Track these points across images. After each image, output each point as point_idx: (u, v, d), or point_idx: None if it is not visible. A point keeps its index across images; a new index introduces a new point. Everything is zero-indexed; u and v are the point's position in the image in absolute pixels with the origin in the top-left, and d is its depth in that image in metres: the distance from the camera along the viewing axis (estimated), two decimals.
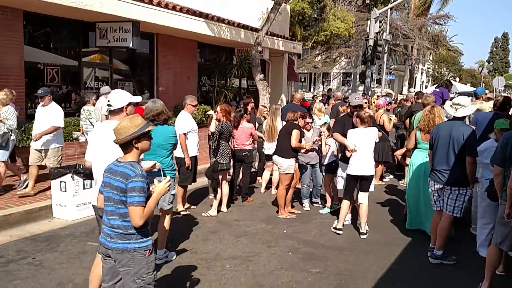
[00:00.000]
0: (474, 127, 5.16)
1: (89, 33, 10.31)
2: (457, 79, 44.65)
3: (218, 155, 6.20)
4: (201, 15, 11.69)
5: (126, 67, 11.97)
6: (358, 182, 5.53)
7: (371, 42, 17.06)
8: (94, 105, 8.44)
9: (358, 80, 30.41)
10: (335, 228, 5.63)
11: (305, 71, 36.23)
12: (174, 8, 10.71)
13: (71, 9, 8.35)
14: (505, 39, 77.11)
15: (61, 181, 5.88)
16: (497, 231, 3.88)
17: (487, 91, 10.52)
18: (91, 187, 6.05)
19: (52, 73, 9.71)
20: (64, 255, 4.73)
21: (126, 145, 2.76)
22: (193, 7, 11.98)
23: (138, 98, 3.73)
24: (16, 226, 5.58)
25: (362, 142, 5.39)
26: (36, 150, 6.52)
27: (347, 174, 5.55)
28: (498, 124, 4.70)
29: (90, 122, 8.33)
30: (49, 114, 6.47)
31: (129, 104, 3.56)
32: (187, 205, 6.53)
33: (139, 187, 2.65)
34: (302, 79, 37.35)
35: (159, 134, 4.39)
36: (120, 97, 3.56)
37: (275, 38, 15.05)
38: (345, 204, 5.61)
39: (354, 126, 5.52)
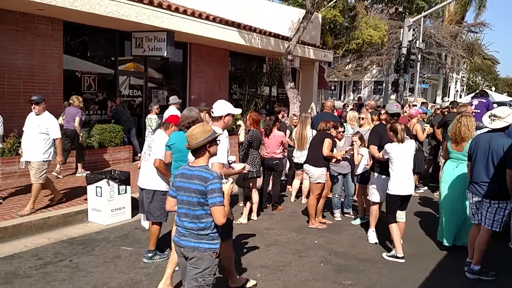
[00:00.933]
0: None
1: (125, 42, 10.61)
2: (493, 88, 43.15)
3: (248, 163, 6.22)
4: (233, 24, 11.84)
5: (160, 75, 12.24)
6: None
7: (404, 50, 16.78)
8: (156, 113, 9.46)
9: (390, 88, 29.88)
10: (396, 257, 5.08)
11: (335, 79, 35.97)
12: (207, 18, 10.89)
13: (108, 19, 8.63)
14: None
15: (97, 186, 6.04)
16: None
17: None
18: (125, 192, 6.22)
19: (89, 81, 10.04)
20: (99, 259, 4.85)
21: (199, 150, 3.00)
22: (225, 16, 12.15)
23: (238, 111, 4.24)
24: (54, 229, 5.76)
25: (402, 159, 5.02)
26: (26, 161, 6.15)
27: (388, 194, 5.15)
28: None
29: (152, 129, 8.93)
30: (45, 125, 6.00)
31: (228, 114, 4.04)
32: None
33: (218, 188, 2.89)
34: (333, 87, 37.12)
35: None
36: (222, 107, 4.06)
37: (306, 46, 15.04)
38: (394, 228, 5.13)
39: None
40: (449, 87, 40.46)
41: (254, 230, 6.04)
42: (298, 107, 11.82)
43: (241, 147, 6.46)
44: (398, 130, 5.03)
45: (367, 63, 32.71)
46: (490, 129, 4.57)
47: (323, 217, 6.66)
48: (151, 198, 4.71)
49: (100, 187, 6.02)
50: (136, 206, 5.75)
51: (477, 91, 10.59)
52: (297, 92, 12.31)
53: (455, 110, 8.03)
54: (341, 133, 6.84)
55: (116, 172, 6.23)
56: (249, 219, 6.41)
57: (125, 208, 6.25)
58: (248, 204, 6.43)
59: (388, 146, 5.08)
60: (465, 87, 45.16)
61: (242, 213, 6.41)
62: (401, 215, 5.27)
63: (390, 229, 5.16)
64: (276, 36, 13.68)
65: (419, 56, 23.78)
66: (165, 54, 10.01)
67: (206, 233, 2.96)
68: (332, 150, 6.19)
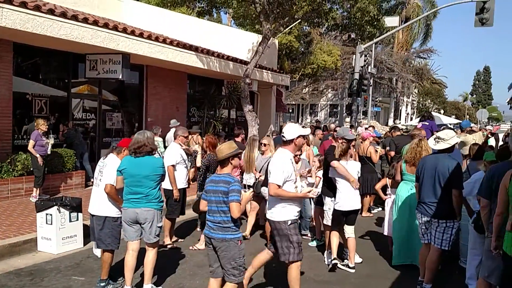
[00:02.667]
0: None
1: (79, 64, 10.39)
2: (442, 111, 45.65)
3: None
4: (191, 48, 11.90)
5: (115, 98, 12.02)
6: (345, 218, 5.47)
7: (356, 76, 17.44)
8: (160, 136, 10.13)
9: (344, 112, 30.88)
10: (344, 265, 5.46)
11: (293, 102, 36.74)
12: (164, 41, 10.89)
13: (61, 41, 8.44)
14: (487, 73, 79.65)
15: (47, 214, 5.77)
16: (484, 264, 3.90)
17: (472, 124, 10.75)
18: (77, 219, 5.98)
19: (41, 104, 9.70)
20: None
21: (224, 161, 3.91)
22: (184, 40, 12.20)
23: (307, 131, 4.60)
24: (0, 260, 5.42)
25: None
26: None
27: (335, 210, 5.45)
28: (488, 156, 4.81)
29: (158, 152, 8.96)
30: None
31: (299, 136, 4.20)
32: (174, 238, 6.43)
33: (237, 189, 3.76)
34: (290, 110, 37.81)
35: (146, 165, 4.40)
36: (292, 130, 4.23)
37: (263, 70, 15.33)
38: (335, 236, 5.47)
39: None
40: (400, 110, 42.32)
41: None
42: (256, 130, 11.93)
43: (199, 172, 6.41)
44: (346, 150, 5.44)
45: (323, 87, 33.76)
46: (436, 151, 4.81)
47: None
48: (102, 224, 4.57)
49: (51, 215, 5.75)
50: (88, 233, 5.54)
51: (423, 114, 11.16)
52: (255, 115, 12.45)
53: (398, 133, 8.38)
54: (297, 156, 6.93)
55: (67, 199, 5.99)
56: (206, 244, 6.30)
57: (76, 236, 5.99)
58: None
59: (336, 163, 5.37)
60: (415, 110, 47.39)
61: (199, 239, 6.31)
62: (350, 231, 5.46)
63: (331, 236, 5.45)
64: (234, 60, 13.87)
65: (371, 81, 24.80)
66: (120, 77, 9.87)
67: (230, 225, 3.78)
68: None
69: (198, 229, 6.80)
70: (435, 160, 4.70)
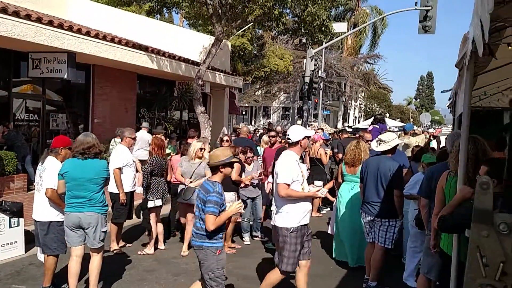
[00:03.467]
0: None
1: (21, 62, 9.87)
2: (387, 114, 47.60)
3: (149, 192, 6.03)
4: (140, 47, 11.66)
5: (60, 98, 11.52)
6: None
7: (307, 79, 17.84)
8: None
9: (296, 114, 31.47)
10: None
11: (246, 105, 36.94)
12: (112, 40, 10.60)
13: (1, 38, 7.99)
14: (430, 78, 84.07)
15: None
16: (424, 261, 4.11)
17: (415, 127, 11.31)
18: (18, 225, 5.68)
19: None
20: None
21: (214, 168, 3.68)
22: (135, 40, 11.93)
23: (311, 132, 4.59)
24: None
25: None
26: None
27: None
28: (425, 158, 5.09)
29: None
30: None
31: (304, 137, 4.13)
32: (121, 243, 6.28)
33: (214, 201, 3.50)
34: (244, 112, 37.96)
35: (90, 168, 4.27)
36: (298, 132, 4.16)
37: (216, 72, 15.30)
38: None
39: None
40: (349, 113, 43.71)
41: (161, 260, 5.86)
42: (209, 132, 11.89)
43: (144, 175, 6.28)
44: None
45: (275, 89, 34.20)
46: (379, 152, 5.03)
47: (232, 241, 6.69)
48: (47, 230, 4.40)
49: None
50: (30, 239, 5.29)
51: (376, 117, 11.61)
52: (208, 117, 12.39)
53: (346, 135, 8.68)
54: (250, 158, 7.00)
55: (7, 203, 5.68)
56: (156, 248, 6.20)
57: (17, 243, 5.69)
58: (153, 233, 6.21)
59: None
60: (363, 113, 49.12)
61: (148, 243, 6.20)
62: None
63: None
64: (186, 61, 13.74)
65: (321, 85, 25.45)
66: (65, 76, 9.49)
67: (208, 234, 3.56)
68: (240, 175, 6.31)
69: (147, 233, 6.66)
70: (378, 161, 4.92)
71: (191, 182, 5.98)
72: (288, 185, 3.98)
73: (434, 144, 9.02)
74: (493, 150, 5.89)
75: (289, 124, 34.65)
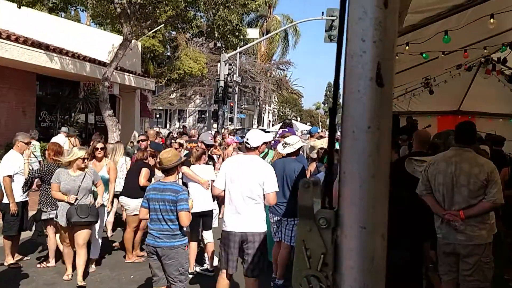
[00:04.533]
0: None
1: None
2: (299, 118, 49.70)
3: (42, 202, 5.46)
4: (40, 46, 10.82)
5: None
6: (201, 220, 5.52)
7: (221, 83, 17.95)
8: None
9: (212, 118, 31.44)
10: (204, 270, 5.52)
11: (161, 108, 36.05)
12: (8, 37, 9.70)
13: None
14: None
15: None
16: None
17: (319, 130, 11.88)
18: None
19: None
20: None
21: (172, 169, 3.91)
22: (34, 37, 11.04)
23: (270, 137, 4.62)
24: None
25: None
26: None
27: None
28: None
29: (34, 155, 8.58)
30: None
31: (264, 143, 4.16)
32: (18, 257, 5.74)
33: (185, 198, 3.79)
34: (158, 116, 37.00)
35: None
36: (258, 137, 4.14)
37: (125, 73, 14.72)
38: (193, 246, 5.48)
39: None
40: (263, 117, 44.81)
41: (63, 272, 5.44)
42: (118, 136, 11.38)
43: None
44: (200, 155, 5.63)
45: (191, 92, 33.89)
46: (285, 155, 5.21)
47: (141, 250, 6.46)
48: None
49: None
50: None
51: (285, 121, 12.02)
52: (116, 120, 11.86)
53: None
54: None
55: None
56: (57, 260, 5.76)
57: None
58: (53, 245, 5.70)
59: (182, 169, 5.43)
60: (276, 117, 50.68)
61: (47, 255, 5.73)
62: (208, 236, 5.55)
63: (189, 246, 5.34)
64: (92, 61, 13.04)
65: (236, 89, 25.77)
66: None
67: (178, 233, 3.82)
68: (150, 180, 6.11)
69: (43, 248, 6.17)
70: (283, 163, 5.09)
71: (77, 199, 5.02)
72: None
73: (338, 146, 9.57)
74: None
75: (205, 128, 34.55)
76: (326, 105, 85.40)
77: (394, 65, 0.59)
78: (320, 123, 52.07)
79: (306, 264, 0.62)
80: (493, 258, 3.80)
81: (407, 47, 3.75)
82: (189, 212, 3.78)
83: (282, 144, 5.17)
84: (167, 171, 3.92)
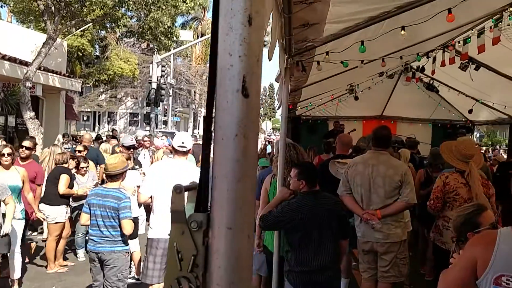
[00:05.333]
0: None
1: None
2: None
3: None
4: None
5: None
6: None
7: (154, 85, 17.58)
8: None
9: (144, 121, 30.64)
10: (131, 278, 5.31)
11: (89, 110, 34.42)
12: None
13: None
14: (271, 89, 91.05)
15: None
16: (254, 259, 4.41)
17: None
18: None
19: None
20: None
21: (117, 176, 3.88)
22: None
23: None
24: None
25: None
26: None
27: None
28: (261, 162, 5.46)
29: None
30: None
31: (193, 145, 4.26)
32: None
33: (128, 206, 3.78)
34: (85, 118, 35.30)
35: None
36: (190, 140, 4.13)
37: (49, 74, 13.90)
38: (135, 256, 5.38)
39: None
40: (199, 121, 44.46)
41: None
42: (41, 139, 10.72)
43: None
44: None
45: (122, 94, 32.76)
46: None
47: (65, 259, 6.14)
48: None
49: None
50: None
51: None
52: (38, 123, 11.20)
53: (194, 142, 8.84)
54: (84, 168, 6.49)
55: None
56: None
57: None
58: None
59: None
60: None
61: None
62: (133, 244, 5.32)
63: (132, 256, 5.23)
64: (13, 60, 12.17)
65: (171, 91, 25.36)
66: None
67: (119, 239, 3.81)
68: (71, 186, 5.81)
69: None
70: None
71: None
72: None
73: (269, 149, 9.77)
74: (321, 153, 6.72)
75: (137, 131, 33.51)
76: (262, 108, 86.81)
77: (260, 77, 0.64)
78: None
79: (178, 266, 0.65)
80: (409, 255, 4.10)
81: (327, 56, 3.94)
82: (131, 220, 3.77)
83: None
84: (111, 177, 3.89)
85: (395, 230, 3.87)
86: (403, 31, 3.71)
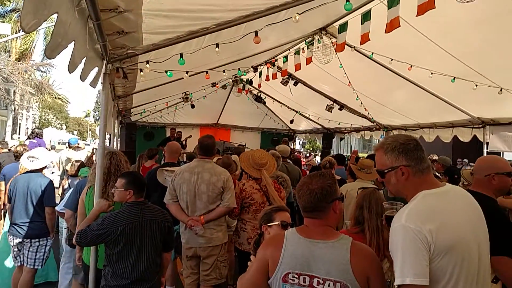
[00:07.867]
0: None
1: None
2: (64, 126, 45.65)
3: None
4: None
5: None
6: None
7: None
8: None
9: None
10: None
11: None
12: None
13: None
14: None
15: None
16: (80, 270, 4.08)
17: (80, 142, 11.07)
18: None
19: None
20: None
21: None
22: None
23: None
24: None
25: None
26: None
27: None
28: (82, 172, 5.11)
29: None
30: None
31: None
32: None
33: None
34: None
35: None
36: None
37: None
38: None
39: None
40: (20, 124, 39.25)
41: None
42: None
43: None
44: None
45: None
46: (30, 170, 4.71)
47: None
48: None
49: None
50: None
51: (32, 131, 10.86)
52: None
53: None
54: None
55: None
56: None
57: None
58: None
59: None
60: (37, 124, 45.22)
61: None
62: None
63: None
64: None
65: None
66: None
67: None
68: None
69: None
70: (28, 179, 4.60)
71: None
72: None
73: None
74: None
75: None
76: (97, 112, 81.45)
77: None
78: (90, 132, 49.17)
79: None
80: (235, 256, 4.35)
81: (147, 65, 3.95)
82: None
83: (28, 158, 4.65)
84: None
85: (217, 234, 4.09)
86: (217, 48, 3.96)
